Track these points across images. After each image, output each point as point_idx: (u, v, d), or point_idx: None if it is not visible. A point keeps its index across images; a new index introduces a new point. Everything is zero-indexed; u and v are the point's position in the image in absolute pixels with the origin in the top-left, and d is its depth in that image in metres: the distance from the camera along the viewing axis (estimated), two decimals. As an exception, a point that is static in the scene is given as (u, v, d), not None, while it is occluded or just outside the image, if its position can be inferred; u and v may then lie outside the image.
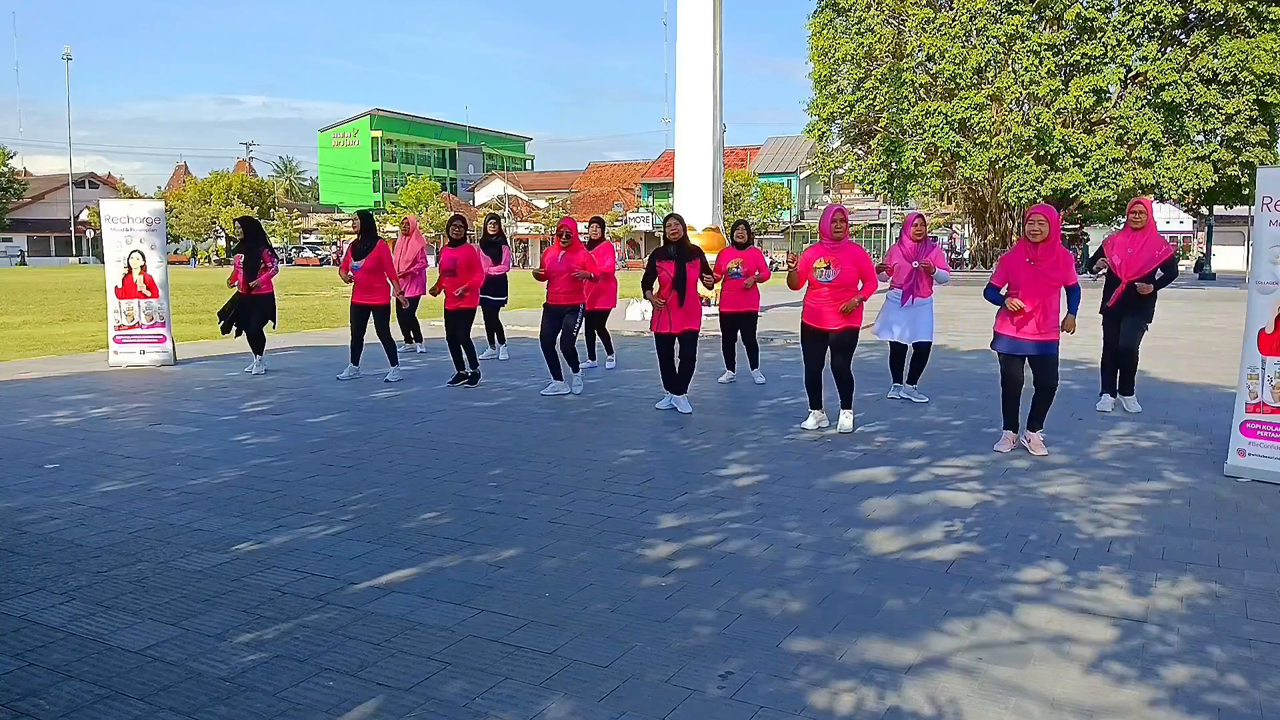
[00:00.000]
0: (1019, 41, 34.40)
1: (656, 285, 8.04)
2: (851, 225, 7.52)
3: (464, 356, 9.59)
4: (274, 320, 10.65)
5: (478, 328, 10.20)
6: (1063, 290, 6.48)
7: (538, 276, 8.96)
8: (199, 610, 3.83)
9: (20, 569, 4.32)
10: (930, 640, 3.54)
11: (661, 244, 8.23)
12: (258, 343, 10.52)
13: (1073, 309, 6.56)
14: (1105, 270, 7.93)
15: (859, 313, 7.20)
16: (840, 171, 44.06)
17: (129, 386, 9.71)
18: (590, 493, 5.59)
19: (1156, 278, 7.66)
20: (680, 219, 8.22)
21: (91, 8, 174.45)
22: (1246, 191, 33.74)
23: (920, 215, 8.65)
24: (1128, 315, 7.81)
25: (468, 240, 9.67)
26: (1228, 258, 51.74)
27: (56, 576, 4.22)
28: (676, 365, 8.23)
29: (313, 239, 78.08)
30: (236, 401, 8.73)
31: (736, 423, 7.77)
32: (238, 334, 10.64)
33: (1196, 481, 5.89)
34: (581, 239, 9.22)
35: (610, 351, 11.04)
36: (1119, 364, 8.07)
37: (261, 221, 10.86)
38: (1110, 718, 2.99)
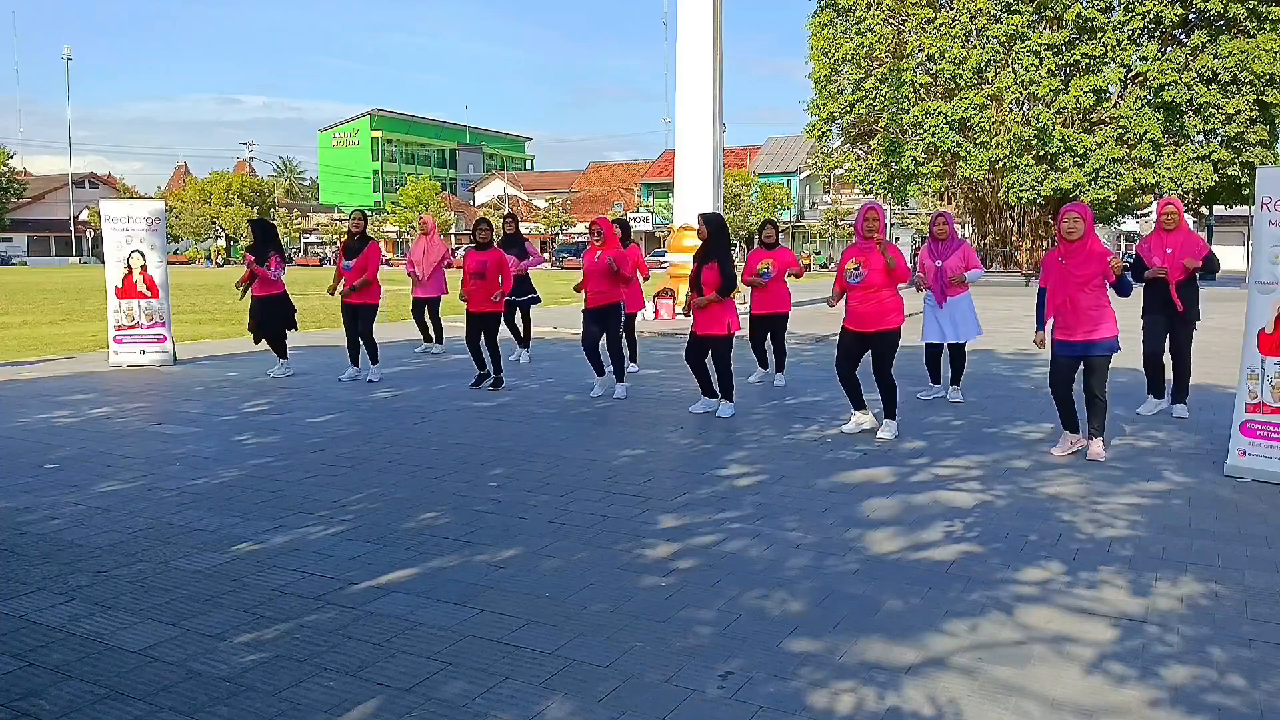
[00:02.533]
0: (1019, 41, 34.38)
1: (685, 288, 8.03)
2: (852, 225, 7.41)
3: (484, 357, 9.51)
4: (293, 324, 10.58)
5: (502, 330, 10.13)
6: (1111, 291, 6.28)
7: (578, 289, 8.96)
8: (199, 610, 3.83)
9: (20, 569, 4.32)
10: (930, 640, 3.54)
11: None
12: (279, 346, 10.42)
13: (1121, 286, 6.21)
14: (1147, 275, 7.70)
15: (897, 313, 6.99)
16: (840, 171, 44.04)
17: (129, 386, 9.71)
18: (590, 493, 5.59)
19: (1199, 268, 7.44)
20: (703, 219, 7.98)
21: (91, 8, 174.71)
22: (1246, 191, 33.71)
23: (943, 214, 8.56)
24: (1176, 319, 7.59)
25: (494, 244, 9.61)
26: (1228, 258, 51.58)
27: (56, 576, 4.22)
28: (709, 369, 8.12)
29: (313, 239, 78.13)
30: (236, 401, 8.73)
31: (736, 423, 7.77)
32: (259, 340, 10.54)
33: (1196, 481, 5.88)
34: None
35: (634, 357, 10.85)
36: (1175, 370, 7.82)
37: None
38: (1110, 718, 2.99)
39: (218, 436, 7.18)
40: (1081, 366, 6.41)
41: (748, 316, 9.50)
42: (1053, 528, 4.93)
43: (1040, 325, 6.63)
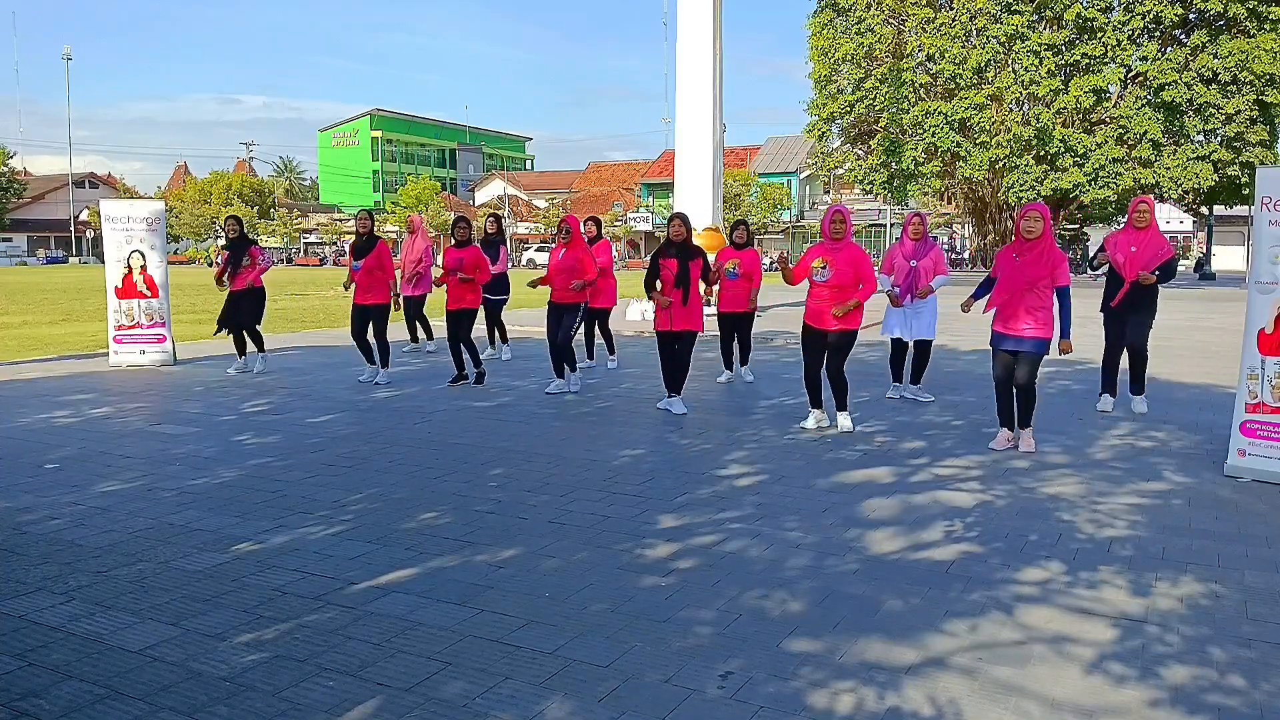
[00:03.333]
0: (1019, 41, 34.40)
1: (659, 284, 8.03)
2: (852, 226, 7.49)
3: (464, 357, 9.58)
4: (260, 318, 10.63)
5: (477, 328, 10.15)
6: (1055, 299, 6.45)
7: (533, 285, 9.06)
8: (199, 610, 3.83)
9: (20, 569, 4.32)
10: (930, 640, 3.54)
11: (664, 243, 8.19)
12: (257, 339, 10.49)
13: (1064, 330, 6.50)
14: (1106, 269, 7.91)
15: (858, 315, 7.17)
16: (840, 171, 44.09)
17: (129, 386, 9.71)
18: (590, 493, 5.59)
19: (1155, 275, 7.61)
20: (684, 218, 8.16)
21: (91, 8, 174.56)
22: (1246, 191, 33.74)
23: (919, 214, 8.69)
24: (1132, 314, 7.75)
25: (472, 241, 9.65)
26: (1228, 258, 51.76)
27: (56, 576, 4.22)
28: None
29: (313, 239, 78.10)
30: (236, 401, 8.73)
31: (736, 423, 7.77)
32: (230, 333, 10.58)
33: (1196, 481, 5.89)
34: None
35: (612, 351, 10.99)
36: (1130, 363, 7.96)
37: (258, 220, 10.98)
38: (1110, 718, 2.99)
39: (218, 436, 7.18)
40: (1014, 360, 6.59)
41: (715, 316, 9.53)
42: (1053, 528, 4.93)
43: (975, 296, 6.91)
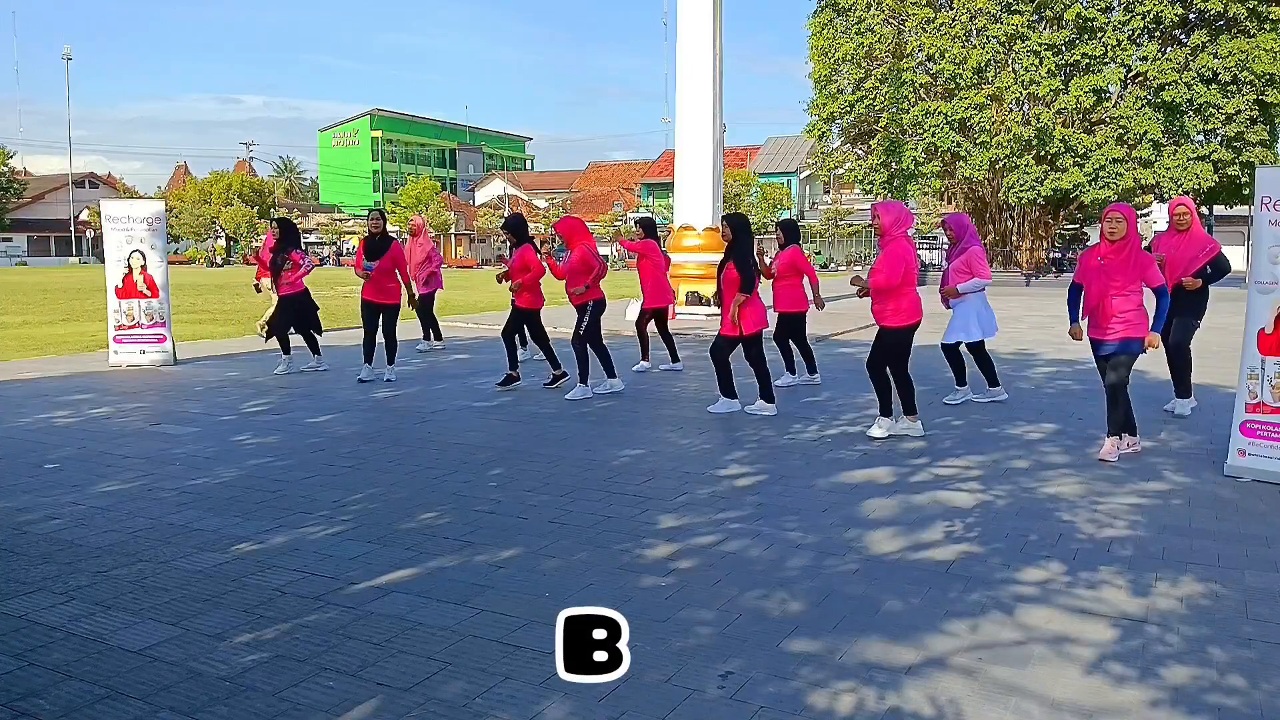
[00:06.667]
0: (1019, 41, 34.38)
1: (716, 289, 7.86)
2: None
3: (517, 355, 9.63)
4: (318, 325, 10.67)
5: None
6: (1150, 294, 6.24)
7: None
8: (199, 610, 3.83)
9: (20, 569, 4.32)
10: (930, 640, 3.54)
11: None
12: (313, 342, 10.52)
13: (1156, 323, 6.18)
14: None
15: (896, 313, 6.91)
16: (840, 171, 44.02)
17: (129, 386, 9.70)
18: (590, 493, 5.59)
19: (1206, 273, 7.47)
20: (725, 220, 7.94)
21: (91, 8, 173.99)
22: (1246, 191, 33.70)
23: (948, 217, 8.53)
24: (1177, 315, 7.54)
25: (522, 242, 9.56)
26: (1228, 258, 51.68)
27: (56, 576, 4.22)
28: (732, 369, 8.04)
29: (312, 239, 78.09)
30: (236, 401, 8.73)
31: (736, 422, 7.77)
32: (276, 336, 10.52)
33: (1196, 481, 5.88)
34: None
35: (644, 356, 10.68)
36: (1172, 364, 7.84)
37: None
38: (1110, 718, 3.00)
39: (217, 436, 7.18)
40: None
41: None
42: (1053, 528, 4.93)
43: (1074, 320, 6.50)
